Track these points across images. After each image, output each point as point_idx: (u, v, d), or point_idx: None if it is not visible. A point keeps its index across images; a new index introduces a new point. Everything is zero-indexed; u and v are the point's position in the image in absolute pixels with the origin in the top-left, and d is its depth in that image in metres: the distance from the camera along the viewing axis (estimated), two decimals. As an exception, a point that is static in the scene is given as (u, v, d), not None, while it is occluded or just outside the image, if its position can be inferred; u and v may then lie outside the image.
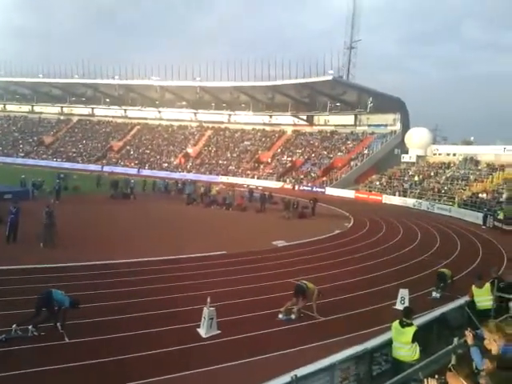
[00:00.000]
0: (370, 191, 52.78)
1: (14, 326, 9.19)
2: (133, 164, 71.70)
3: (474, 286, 10.24)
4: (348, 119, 69.03)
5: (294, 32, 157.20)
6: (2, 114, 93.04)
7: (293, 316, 11.38)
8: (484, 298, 9.94)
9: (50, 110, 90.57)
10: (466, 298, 10.43)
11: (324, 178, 58.91)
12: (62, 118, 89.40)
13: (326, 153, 65.12)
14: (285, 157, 67.51)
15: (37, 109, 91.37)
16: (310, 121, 72.23)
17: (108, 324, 10.29)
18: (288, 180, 60.77)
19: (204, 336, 9.90)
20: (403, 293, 12.45)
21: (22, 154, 78.09)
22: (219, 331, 10.12)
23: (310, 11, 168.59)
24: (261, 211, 33.10)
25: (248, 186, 50.29)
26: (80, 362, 8.32)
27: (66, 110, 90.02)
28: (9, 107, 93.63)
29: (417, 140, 56.40)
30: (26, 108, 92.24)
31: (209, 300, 10.01)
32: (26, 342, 8.95)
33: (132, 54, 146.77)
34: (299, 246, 21.09)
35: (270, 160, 67.98)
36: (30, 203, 26.15)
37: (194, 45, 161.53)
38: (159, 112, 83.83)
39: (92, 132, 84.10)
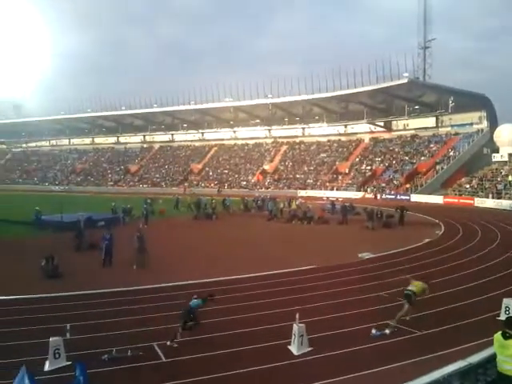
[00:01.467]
0: (460, 195, 49.46)
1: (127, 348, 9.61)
2: (212, 184, 73.63)
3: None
4: (429, 121, 65.75)
5: (360, 40, 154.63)
6: (92, 146, 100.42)
7: (387, 331, 10.71)
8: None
9: (133, 140, 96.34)
10: None
11: (408, 185, 56.29)
12: (144, 146, 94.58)
13: (407, 158, 62.35)
14: (364, 166, 65.66)
15: (122, 139, 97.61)
16: (387, 127, 69.83)
17: (199, 342, 10.29)
18: (369, 189, 58.88)
19: (296, 353, 9.60)
20: (507, 302, 11.36)
21: (111, 183, 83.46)
22: (311, 348, 9.76)
23: (374, 18, 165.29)
24: (343, 223, 32.18)
25: (328, 198, 49.39)
26: (175, 381, 8.34)
27: (148, 139, 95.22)
28: (97, 140, 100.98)
29: (508, 137, 52.18)
30: (112, 139, 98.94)
31: (297, 316, 9.70)
32: (126, 362, 9.19)
33: (204, 79, 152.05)
34: (387, 258, 20.04)
35: (348, 170, 66.46)
36: (121, 229, 27.53)
37: (262, 63, 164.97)
38: (234, 132, 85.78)
39: (173, 157, 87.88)
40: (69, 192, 74.18)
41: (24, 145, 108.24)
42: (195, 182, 76.62)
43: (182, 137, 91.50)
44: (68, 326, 10.29)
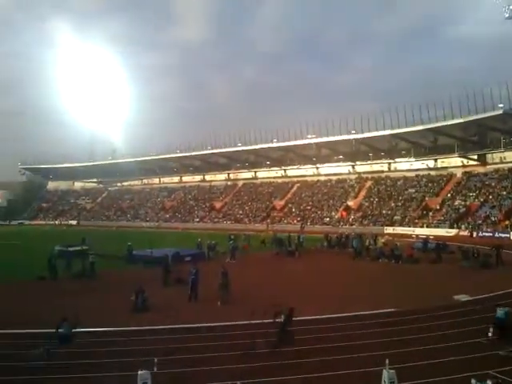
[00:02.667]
0: None
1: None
2: (295, 221, 73.34)
3: None
4: (528, 153, 60.73)
5: (444, 71, 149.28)
6: (180, 185, 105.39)
7: (489, 382, 9.52)
8: None
9: (218, 178, 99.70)
10: None
11: (507, 222, 51.81)
12: (229, 183, 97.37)
13: (505, 193, 57.67)
14: (457, 201, 61.73)
15: (207, 177, 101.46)
16: (482, 160, 65.46)
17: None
18: (463, 226, 55.00)
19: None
20: None
21: (197, 219, 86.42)
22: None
23: (458, 48, 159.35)
24: (437, 262, 30.13)
25: (417, 235, 46.87)
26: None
27: (232, 176, 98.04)
28: (185, 178, 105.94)
29: None
30: (198, 178, 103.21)
31: (387, 362, 9.02)
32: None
33: (286, 117, 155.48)
34: (487, 301, 18.21)
35: (439, 206, 62.82)
36: (206, 264, 28.06)
37: (343, 99, 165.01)
38: (317, 168, 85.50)
39: (256, 194, 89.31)
40: (158, 228, 78.00)
41: (119, 184, 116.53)
42: (277, 219, 76.88)
43: (265, 174, 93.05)
44: (155, 359, 10.43)
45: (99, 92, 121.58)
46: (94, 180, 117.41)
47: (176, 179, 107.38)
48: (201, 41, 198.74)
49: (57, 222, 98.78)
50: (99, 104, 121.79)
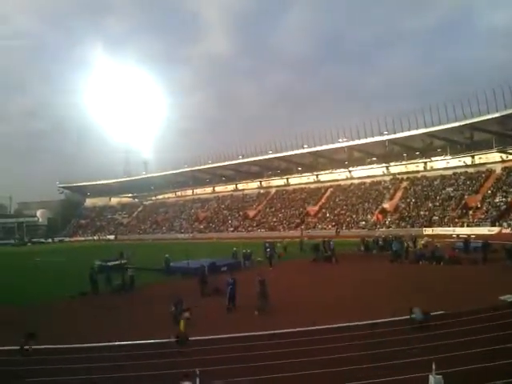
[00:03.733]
0: None
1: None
2: (330, 226, 72.63)
3: None
4: None
5: (479, 66, 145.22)
6: (213, 195, 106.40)
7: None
8: None
9: (250, 186, 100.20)
10: None
11: (554, 217, 49.65)
12: (261, 191, 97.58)
13: (550, 188, 55.36)
14: (498, 198, 59.61)
15: (240, 186, 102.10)
16: (522, 154, 63.19)
17: None
18: (505, 224, 52.99)
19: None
20: None
21: (231, 229, 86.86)
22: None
23: (491, 42, 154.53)
24: (478, 262, 29.08)
25: (458, 235, 45.48)
26: None
27: (264, 184, 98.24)
28: (217, 188, 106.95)
29: None
30: (230, 187, 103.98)
31: (434, 366, 8.71)
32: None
33: (317, 121, 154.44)
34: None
35: (479, 204, 60.84)
36: (242, 273, 28.06)
37: (374, 101, 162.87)
38: (349, 172, 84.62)
39: (289, 200, 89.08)
40: (193, 239, 78.89)
41: (153, 197, 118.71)
42: (312, 225, 76.34)
43: (297, 180, 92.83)
44: (197, 370, 10.43)
45: (132, 108, 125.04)
46: (130, 195, 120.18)
47: (209, 190, 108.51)
48: (228, 52, 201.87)
49: (95, 238, 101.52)
50: (133, 120, 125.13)
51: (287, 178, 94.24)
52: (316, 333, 14.63)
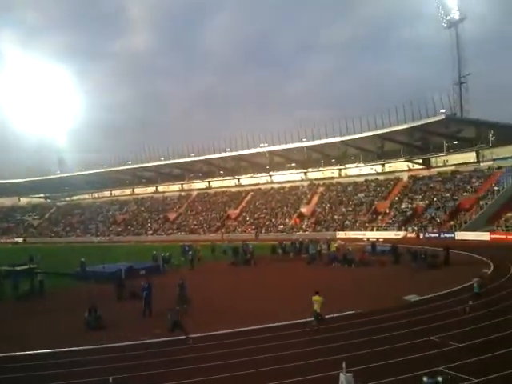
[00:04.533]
0: (508, 231, 47.25)
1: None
2: (250, 229, 73.62)
3: None
4: (469, 156, 64.11)
5: (392, 79, 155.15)
6: (132, 197, 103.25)
7: (439, 378, 9.99)
8: None
9: (171, 188, 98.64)
10: None
11: (451, 223, 54.36)
12: (182, 194, 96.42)
13: (449, 195, 60.54)
14: (404, 204, 64.15)
15: (160, 189, 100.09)
16: (426, 164, 68.55)
17: None
18: (411, 228, 57.19)
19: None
20: None
21: (151, 232, 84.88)
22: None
23: (403, 56, 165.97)
24: (393, 264, 31.27)
25: (368, 239, 48.22)
26: None
27: (185, 187, 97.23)
28: (137, 190, 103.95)
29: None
30: (151, 189, 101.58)
31: (344, 365, 9.22)
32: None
33: (239, 126, 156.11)
34: (434, 300, 19.11)
35: (388, 209, 65.03)
36: (161, 277, 27.66)
37: (294, 107, 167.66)
38: (270, 176, 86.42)
39: (210, 204, 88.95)
40: (110, 242, 75.89)
41: (68, 198, 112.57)
42: (232, 228, 76.88)
43: (219, 183, 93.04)
44: (111, 378, 10.18)
45: (46, 103, 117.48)
46: (42, 195, 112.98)
47: (128, 191, 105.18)
48: (153, 50, 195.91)
49: (1, 241, 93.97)
50: (47, 115, 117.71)
51: (209, 181, 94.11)
52: (232, 336, 14.82)
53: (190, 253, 37.70)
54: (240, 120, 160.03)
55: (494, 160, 60.83)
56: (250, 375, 11.23)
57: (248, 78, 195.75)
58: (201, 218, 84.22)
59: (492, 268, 27.21)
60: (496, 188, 55.75)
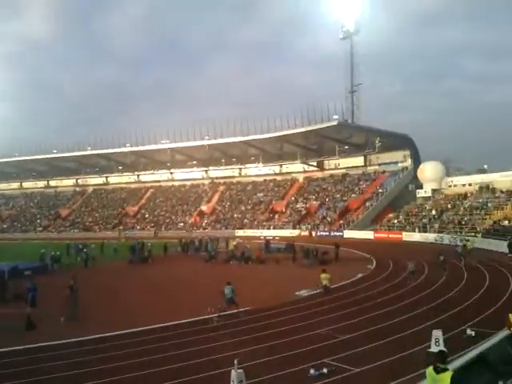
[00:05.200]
0: (389, 230, 52.03)
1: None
2: (148, 227, 72.20)
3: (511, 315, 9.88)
4: (358, 160, 69.39)
5: (293, 84, 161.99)
6: (19, 191, 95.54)
7: (325, 370, 10.89)
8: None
9: (65, 183, 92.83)
10: (505, 333, 9.87)
11: (341, 222, 58.39)
12: (77, 189, 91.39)
13: (339, 196, 64.96)
14: (299, 204, 67.45)
15: (52, 183, 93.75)
16: (320, 166, 72.74)
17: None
18: (304, 227, 60.33)
19: (236, 401, 9.43)
20: (437, 334, 11.69)
21: (40, 229, 79.25)
22: (250, 394, 9.66)
23: (304, 63, 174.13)
24: (292, 261, 32.69)
25: (265, 237, 49.95)
26: None
27: (80, 182, 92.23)
28: (25, 184, 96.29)
29: (430, 174, 56.16)
30: (41, 183, 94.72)
31: (236, 362, 9.62)
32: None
33: (141, 121, 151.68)
34: (323, 295, 20.53)
35: (284, 209, 67.91)
36: (49, 277, 26.21)
37: (198, 105, 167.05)
38: (171, 173, 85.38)
39: (107, 200, 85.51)
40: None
41: None
42: (130, 225, 74.75)
43: (117, 179, 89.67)
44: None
45: None
46: None
47: (15, 185, 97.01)
48: (51, 37, 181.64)
49: None
50: None
51: (107, 177, 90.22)
52: (125, 337, 14.65)
53: (85, 251, 36.36)
54: (142, 115, 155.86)
55: (379, 165, 66.46)
56: (142, 376, 11.24)
57: (154, 74, 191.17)
58: (96, 215, 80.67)
59: (375, 264, 29.88)
60: (380, 190, 60.96)
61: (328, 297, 19.98)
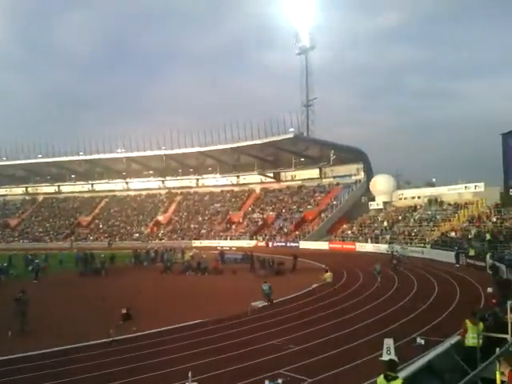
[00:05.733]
0: (343, 241, 53.27)
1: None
2: (102, 238, 70.40)
3: (468, 321, 10.23)
4: (313, 173, 70.79)
5: (251, 96, 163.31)
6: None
7: (280, 381, 11.02)
8: (473, 335, 9.97)
9: (14, 192, 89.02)
10: (452, 342, 10.35)
11: (297, 232, 59.21)
12: (27, 198, 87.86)
13: (295, 207, 65.92)
14: (256, 215, 67.89)
15: (1, 191, 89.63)
16: (277, 177, 73.62)
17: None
18: (261, 237, 60.73)
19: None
20: (388, 342, 11.79)
21: (-13, 239, 75.56)
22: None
23: (262, 76, 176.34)
24: (252, 271, 32.94)
25: (222, 247, 49.88)
26: None
27: (30, 190, 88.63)
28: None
29: (381, 187, 58.04)
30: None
31: (190, 374, 9.63)
32: None
33: (95, 129, 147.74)
34: (278, 305, 20.78)
35: (241, 219, 68.14)
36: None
37: (155, 115, 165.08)
38: (127, 183, 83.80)
39: (59, 209, 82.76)
40: None
41: None
42: (83, 236, 72.64)
43: (70, 188, 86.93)
44: None
45: None
46: None
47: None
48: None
49: None
50: None
51: (58, 186, 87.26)
52: (73, 352, 14.19)
53: (37, 261, 35.27)
54: (97, 123, 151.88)
55: (334, 177, 68.05)
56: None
57: (109, 81, 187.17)
58: (47, 225, 77.89)
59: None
60: (335, 202, 62.37)
61: (283, 307, 20.24)
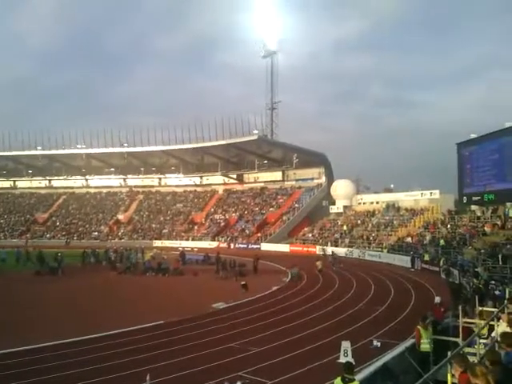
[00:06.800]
0: (304, 243, 53.99)
1: None
2: (60, 235, 68.41)
3: (420, 327, 10.55)
4: (276, 175, 71.44)
5: (215, 96, 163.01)
6: None
7: (239, 383, 11.15)
8: (426, 340, 10.34)
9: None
10: (406, 344, 10.75)
11: (258, 234, 59.53)
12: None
13: (258, 209, 66.27)
14: (218, 216, 67.78)
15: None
16: (240, 179, 73.82)
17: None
18: (223, 239, 60.70)
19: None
20: (345, 345, 12.16)
21: None
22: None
23: (228, 77, 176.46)
24: (218, 272, 32.64)
25: (183, 248, 49.48)
26: None
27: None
28: None
29: (341, 191, 59.28)
30: None
31: (148, 377, 9.59)
32: None
33: (54, 123, 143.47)
34: (239, 307, 20.89)
35: (203, 220, 67.88)
36: None
37: (118, 111, 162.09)
38: (86, 180, 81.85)
39: (14, 205, 79.76)
40: None
41: None
42: (40, 233, 70.32)
43: (26, 184, 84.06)
44: None
45: None
46: None
47: None
48: None
49: None
50: None
51: (14, 181, 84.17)
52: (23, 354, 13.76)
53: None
54: (57, 117, 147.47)
55: (296, 180, 68.97)
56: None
57: (71, 75, 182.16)
58: (1, 221, 74.86)
59: (290, 276, 30.88)
60: (297, 205, 63.16)
61: (243, 309, 20.38)
